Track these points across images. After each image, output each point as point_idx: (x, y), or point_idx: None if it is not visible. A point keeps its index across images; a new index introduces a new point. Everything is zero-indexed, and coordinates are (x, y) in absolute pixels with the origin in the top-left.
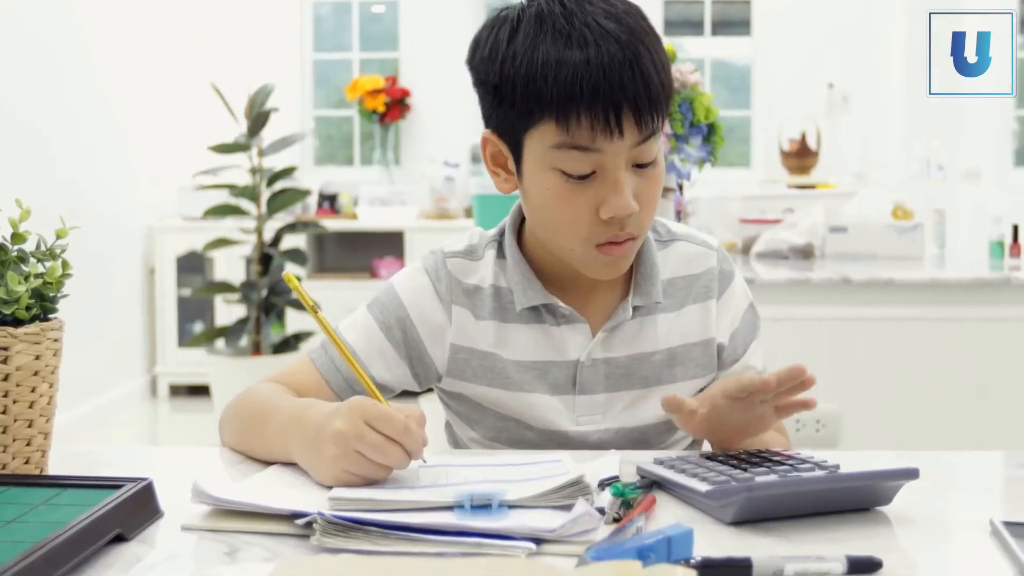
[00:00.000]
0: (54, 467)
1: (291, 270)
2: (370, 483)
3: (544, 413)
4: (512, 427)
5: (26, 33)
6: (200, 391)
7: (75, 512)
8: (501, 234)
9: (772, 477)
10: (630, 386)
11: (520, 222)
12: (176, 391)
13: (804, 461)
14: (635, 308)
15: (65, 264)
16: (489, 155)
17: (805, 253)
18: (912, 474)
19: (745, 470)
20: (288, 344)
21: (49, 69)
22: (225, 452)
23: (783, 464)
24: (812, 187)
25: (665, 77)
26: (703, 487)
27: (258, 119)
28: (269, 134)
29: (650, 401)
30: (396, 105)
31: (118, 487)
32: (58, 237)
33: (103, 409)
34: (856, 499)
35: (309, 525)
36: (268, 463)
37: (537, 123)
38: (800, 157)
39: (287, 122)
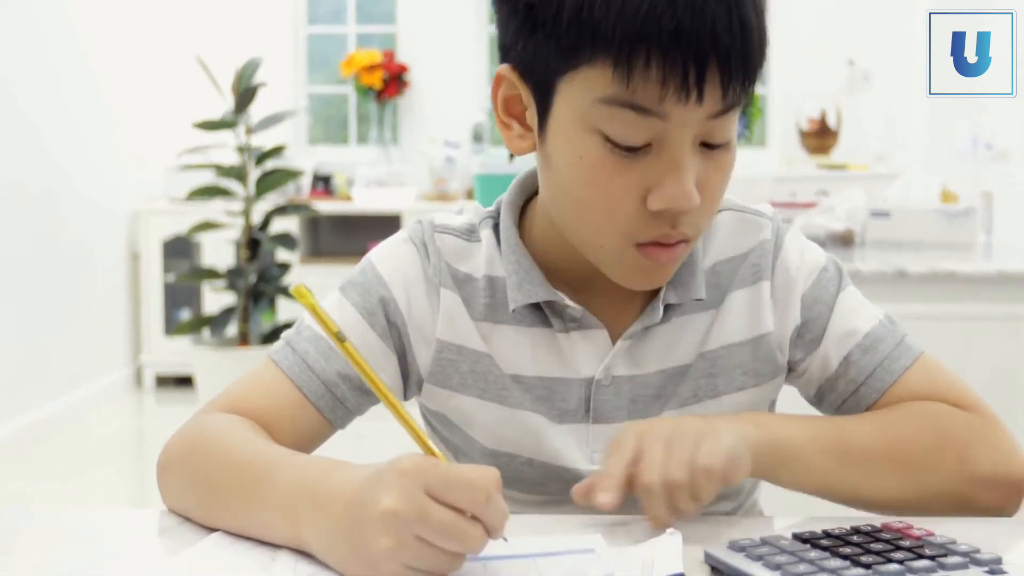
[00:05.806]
0: None
1: (281, 255)
2: None
3: (549, 444)
4: (505, 464)
5: (7, 8)
6: (189, 382)
7: None
8: (499, 212)
9: None
10: (662, 410)
11: (524, 200)
12: (163, 382)
13: (947, 550)
14: (667, 307)
15: None
16: (501, 99)
17: (844, 240)
18: None
19: (869, 567)
20: (278, 334)
21: (32, 44)
22: (150, 519)
23: (920, 556)
24: (844, 167)
25: (765, 25)
26: None
27: (245, 94)
28: (260, 112)
29: None
30: (394, 81)
31: None
32: None
33: (85, 401)
34: None
35: None
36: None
37: (584, 64)
38: (819, 137)
39: (279, 99)
